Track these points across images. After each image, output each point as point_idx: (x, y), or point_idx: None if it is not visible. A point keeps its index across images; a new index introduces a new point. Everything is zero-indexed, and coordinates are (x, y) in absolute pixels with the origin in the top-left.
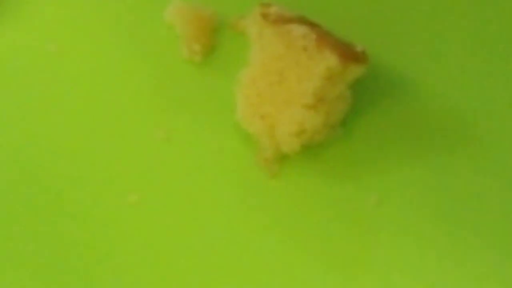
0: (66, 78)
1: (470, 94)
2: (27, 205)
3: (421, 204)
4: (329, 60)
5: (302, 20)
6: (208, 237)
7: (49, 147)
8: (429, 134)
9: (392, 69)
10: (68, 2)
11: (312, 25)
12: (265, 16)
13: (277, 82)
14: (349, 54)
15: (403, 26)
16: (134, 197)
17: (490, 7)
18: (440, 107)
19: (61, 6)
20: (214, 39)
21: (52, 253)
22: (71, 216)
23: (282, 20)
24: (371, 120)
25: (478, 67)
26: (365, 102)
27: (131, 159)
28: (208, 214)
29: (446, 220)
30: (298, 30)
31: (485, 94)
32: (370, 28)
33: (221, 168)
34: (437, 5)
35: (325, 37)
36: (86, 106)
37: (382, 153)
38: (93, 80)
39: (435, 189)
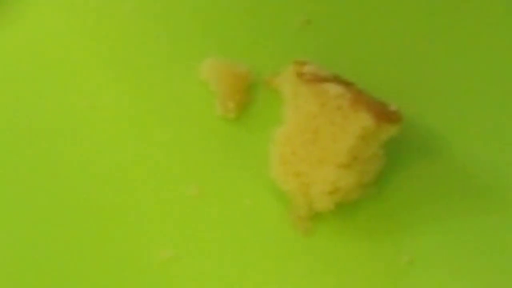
0: (98, 132)
1: (505, 156)
2: (63, 260)
3: (453, 265)
4: (364, 120)
5: (337, 79)
6: None
7: (78, 201)
8: (462, 194)
9: (425, 128)
10: (100, 59)
11: (346, 83)
12: (299, 75)
13: (312, 141)
14: (383, 114)
15: (436, 85)
16: (168, 253)
17: None
18: (474, 167)
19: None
20: (248, 96)
21: None
22: (104, 274)
23: (317, 79)
24: (404, 179)
25: None
26: (398, 161)
27: (165, 215)
28: (241, 271)
29: (477, 282)
30: (333, 89)
31: None
32: (403, 88)
33: (255, 225)
34: (470, 67)
35: (360, 97)
36: (117, 160)
37: (415, 212)
38: (125, 135)
39: (468, 251)
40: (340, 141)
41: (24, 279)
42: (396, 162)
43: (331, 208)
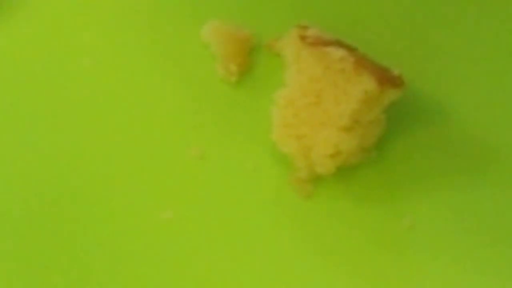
0: (100, 94)
1: (507, 121)
2: (56, 221)
3: (453, 227)
4: (367, 83)
5: (340, 43)
6: (240, 255)
7: (80, 162)
8: (462, 158)
9: (426, 93)
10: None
11: (349, 48)
12: (302, 38)
13: (314, 104)
14: (386, 78)
15: (440, 51)
16: (168, 213)
17: None
18: (474, 131)
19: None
20: (250, 59)
21: (84, 271)
22: (105, 233)
23: (320, 43)
24: (405, 143)
25: None
26: (399, 126)
27: (166, 176)
28: (240, 232)
29: (478, 244)
30: (336, 53)
31: None
32: (406, 53)
33: (255, 187)
34: (475, 33)
35: (363, 61)
36: (118, 122)
37: (415, 176)
38: (126, 97)
39: (467, 212)
40: (343, 104)
41: (28, 248)
42: (397, 127)
43: (332, 171)
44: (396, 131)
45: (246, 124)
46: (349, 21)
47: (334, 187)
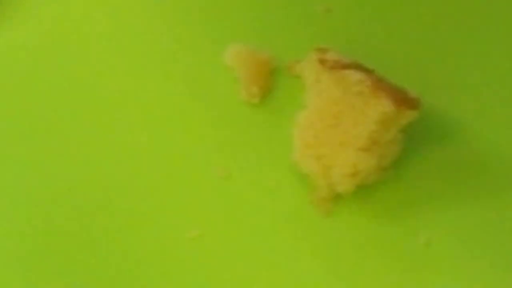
0: (126, 116)
1: None
2: (86, 240)
3: (469, 245)
4: (384, 105)
5: (358, 66)
6: (263, 271)
7: (107, 182)
8: (478, 177)
9: (442, 113)
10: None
11: (367, 71)
12: (322, 61)
13: (333, 125)
14: (403, 100)
15: (455, 72)
16: (195, 232)
17: None
18: (489, 150)
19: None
20: (271, 81)
21: None
22: (133, 251)
23: (338, 66)
24: (422, 162)
25: None
26: (416, 145)
27: (192, 196)
28: (264, 249)
29: (494, 263)
30: (354, 76)
31: None
32: (422, 74)
33: (278, 206)
34: (490, 54)
35: (380, 83)
36: (146, 143)
37: (432, 194)
38: (153, 119)
39: (484, 231)
40: (361, 125)
41: (55, 266)
42: (414, 147)
43: (351, 190)
44: (413, 150)
45: (268, 145)
46: (366, 44)
47: (353, 205)
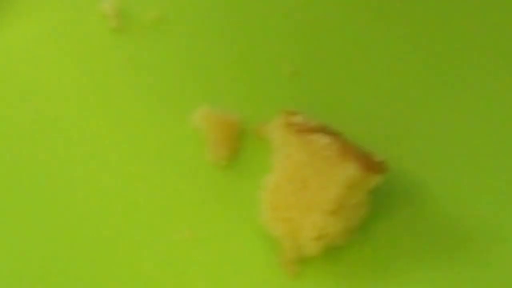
0: (91, 177)
1: (490, 205)
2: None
3: None
4: (351, 169)
5: (325, 129)
6: None
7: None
8: (445, 242)
9: (409, 177)
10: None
11: (334, 134)
12: (289, 125)
13: (300, 189)
14: (369, 164)
15: (420, 136)
16: None
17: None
18: (455, 212)
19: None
20: (239, 143)
21: None
22: None
23: (305, 130)
24: (388, 225)
25: (496, 175)
26: (382, 208)
27: (159, 258)
28: None
29: None
30: (322, 140)
31: (506, 199)
32: (388, 138)
33: (246, 267)
34: (453, 118)
35: (347, 147)
36: (112, 205)
37: (398, 258)
38: (117, 178)
39: None
40: (328, 189)
41: (47, 268)
42: (380, 209)
43: (319, 252)
44: (380, 213)
45: (236, 207)
46: (333, 107)
47: (321, 267)
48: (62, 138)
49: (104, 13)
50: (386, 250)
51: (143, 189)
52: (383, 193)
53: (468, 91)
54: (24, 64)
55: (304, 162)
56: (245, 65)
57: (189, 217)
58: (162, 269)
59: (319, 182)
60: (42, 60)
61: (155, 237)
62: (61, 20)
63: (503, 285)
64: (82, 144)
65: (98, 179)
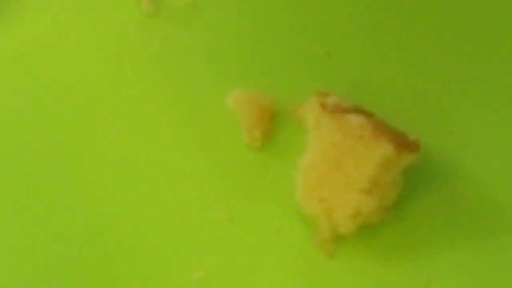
0: (129, 160)
1: None
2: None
3: (468, 286)
4: (385, 149)
5: (358, 110)
6: None
7: (114, 223)
8: (477, 218)
9: (442, 156)
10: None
11: (367, 114)
12: (323, 105)
13: (335, 168)
14: (403, 143)
15: (454, 115)
16: (200, 273)
17: None
18: (488, 192)
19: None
20: (273, 125)
21: None
22: None
23: (339, 110)
24: (422, 203)
25: None
26: (415, 186)
27: (197, 238)
28: None
29: None
30: (355, 120)
31: None
32: (421, 117)
33: (281, 247)
34: (487, 96)
35: (381, 127)
36: (151, 187)
37: (432, 234)
38: (154, 163)
39: (483, 272)
40: (362, 168)
41: None
42: (413, 188)
43: (353, 231)
44: (413, 191)
45: (271, 187)
46: (366, 87)
47: (355, 245)
48: (102, 119)
49: None
50: (419, 228)
51: (179, 171)
52: (417, 172)
53: (504, 70)
54: (58, 49)
55: (338, 142)
56: (279, 47)
57: (225, 198)
58: (199, 249)
59: (354, 161)
60: (76, 45)
61: (192, 218)
62: (96, 5)
63: None
64: (121, 127)
65: (137, 160)
